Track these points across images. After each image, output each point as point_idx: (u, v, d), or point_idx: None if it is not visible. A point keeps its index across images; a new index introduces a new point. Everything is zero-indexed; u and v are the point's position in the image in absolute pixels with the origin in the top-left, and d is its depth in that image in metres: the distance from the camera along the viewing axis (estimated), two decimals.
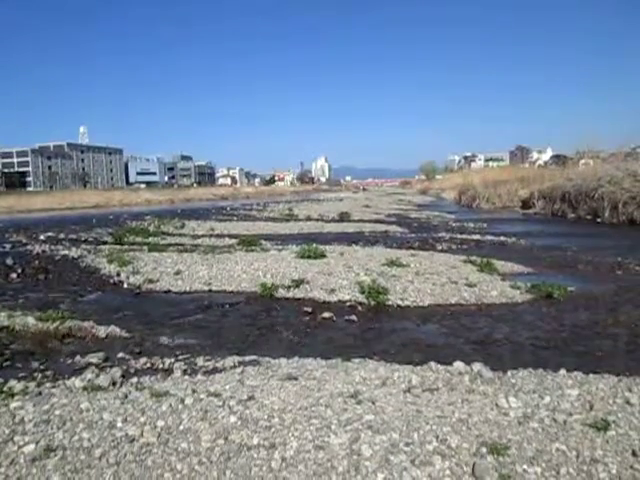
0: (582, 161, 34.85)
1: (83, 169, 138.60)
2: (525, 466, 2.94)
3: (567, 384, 4.20)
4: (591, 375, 4.40)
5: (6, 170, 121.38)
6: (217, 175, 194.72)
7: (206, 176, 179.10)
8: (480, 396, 3.95)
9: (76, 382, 4.35)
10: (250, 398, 3.92)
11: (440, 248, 13.56)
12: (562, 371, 4.52)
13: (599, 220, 22.54)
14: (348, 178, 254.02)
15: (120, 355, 5.32)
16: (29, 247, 13.31)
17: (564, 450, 3.10)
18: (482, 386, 4.19)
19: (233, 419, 3.54)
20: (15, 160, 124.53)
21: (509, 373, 4.52)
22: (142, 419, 3.57)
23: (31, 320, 6.41)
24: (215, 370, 4.81)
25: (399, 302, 7.73)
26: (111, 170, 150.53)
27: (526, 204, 31.51)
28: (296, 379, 4.38)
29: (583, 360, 5.15)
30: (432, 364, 4.72)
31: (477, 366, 4.64)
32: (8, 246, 13.64)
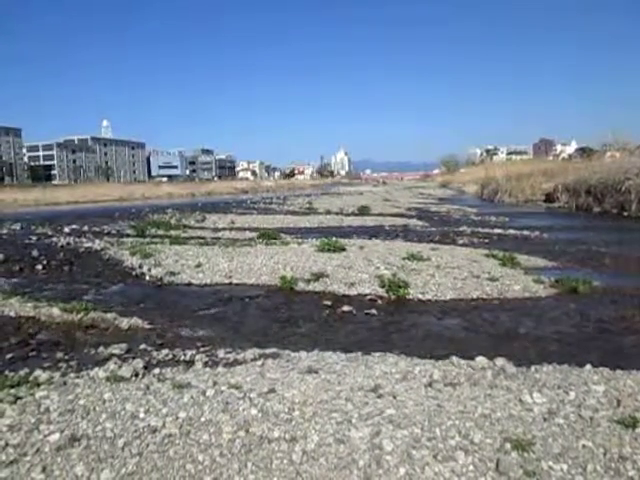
0: (608, 154, 34.10)
1: (106, 162, 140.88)
2: (551, 463, 2.88)
3: (593, 380, 4.10)
4: (618, 371, 4.30)
5: (32, 163, 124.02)
6: (237, 169, 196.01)
7: (226, 169, 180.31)
8: (503, 391, 3.89)
9: (99, 373, 4.41)
10: (271, 391, 3.92)
11: (461, 242, 13.40)
12: (587, 367, 4.42)
13: (626, 214, 22.04)
14: (368, 171, 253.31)
15: (142, 346, 5.37)
16: (54, 239, 13.53)
17: (591, 447, 3.03)
18: (505, 381, 4.12)
19: (254, 411, 3.55)
20: (41, 153, 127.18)
21: (533, 368, 4.44)
22: (164, 410, 3.60)
23: (56, 311, 6.52)
24: (236, 362, 4.83)
25: (420, 296, 7.66)
26: (133, 164, 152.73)
27: (550, 198, 30.97)
28: (316, 372, 4.36)
29: (609, 356, 5.04)
30: (454, 359, 4.66)
31: (500, 361, 4.57)
32: (34, 238, 13.89)
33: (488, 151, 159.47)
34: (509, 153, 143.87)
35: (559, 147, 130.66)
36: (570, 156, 64.75)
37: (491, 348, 5.30)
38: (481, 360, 4.61)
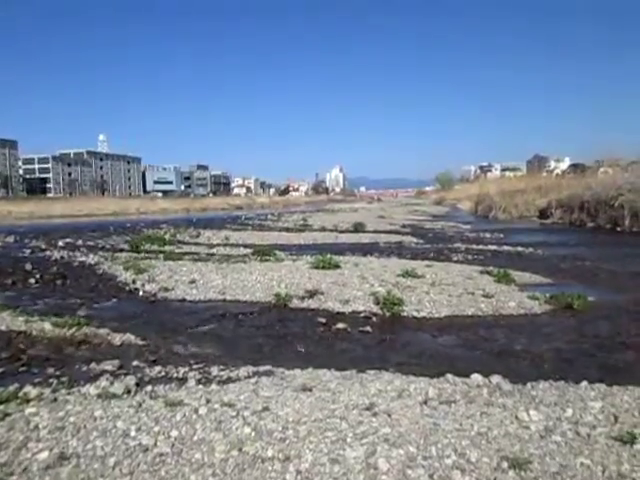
0: (601, 169, 34.44)
1: (102, 177, 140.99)
2: None
3: (590, 396, 4.09)
4: (615, 387, 4.28)
5: (28, 176, 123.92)
6: (232, 185, 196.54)
7: (221, 186, 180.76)
8: (499, 409, 3.86)
9: (91, 389, 4.34)
10: (264, 409, 3.87)
11: (456, 259, 13.41)
12: (584, 383, 4.41)
13: (619, 229, 22.23)
14: (363, 188, 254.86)
15: (135, 363, 5.31)
16: (48, 253, 13.48)
17: (589, 465, 3.00)
18: (501, 399, 4.09)
19: (247, 430, 3.49)
20: (36, 166, 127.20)
21: (529, 385, 4.42)
22: (156, 428, 3.54)
23: (48, 326, 6.45)
24: (229, 380, 4.77)
25: (414, 313, 7.63)
26: (129, 178, 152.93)
27: (544, 214, 31.21)
28: (310, 390, 4.32)
29: (606, 372, 5.03)
30: (449, 376, 4.63)
31: (496, 378, 4.54)
32: (28, 251, 13.83)
33: (482, 168, 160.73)
34: (503, 169, 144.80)
35: (552, 163, 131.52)
36: (563, 172, 65.14)
37: (487, 365, 5.27)
38: (477, 377, 4.57)
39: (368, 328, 6.90)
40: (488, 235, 21.06)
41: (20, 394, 4.17)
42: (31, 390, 4.27)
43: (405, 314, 7.57)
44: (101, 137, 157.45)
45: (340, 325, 6.98)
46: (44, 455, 3.17)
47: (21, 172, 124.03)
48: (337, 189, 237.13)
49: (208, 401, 4.06)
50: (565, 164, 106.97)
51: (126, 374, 4.87)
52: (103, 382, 4.50)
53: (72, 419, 3.69)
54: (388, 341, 6.41)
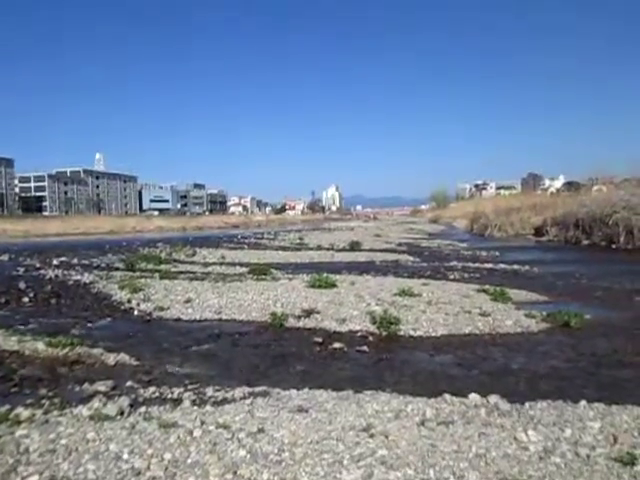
0: (595, 187, 34.76)
1: (98, 195, 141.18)
2: None
3: (588, 416, 4.06)
4: (614, 406, 4.26)
5: (23, 194, 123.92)
6: (229, 203, 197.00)
7: (218, 204, 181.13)
8: (497, 429, 3.81)
9: (83, 411, 4.27)
10: (260, 431, 3.82)
11: (452, 277, 13.41)
12: (583, 402, 4.38)
13: (614, 246, 22.36)
14: (359, 207, 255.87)
15: (129, 383, 5.24)
16: (42, 271, 13.38)
17: None
18: (499, 419, 4.05)
19: (242, 453, 3.43)
20: (32, 185, 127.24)
21: (527, 405, 4.38)
22: (149, 451, 3.48)
23: (41, 345, 6.37)
24: (224, 401, 4.71)
25: (411, 332, 7.59)
26: (125, 197, 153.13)
27: (539, 232, 31.37)
28: (307, 411, 4.26)
29: (604, 391, 4.99)
30: (447, 396, 4.59)
31: (493, 398, 4.50)
32: (22, 270, 13.72)
33: (477, 186, 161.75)
34: (498, 188, 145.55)
35: (547, 182, 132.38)
36: (558, 190, 65.64)
37: (484, 385, 5.23)
38: (474, 397, 4.54)
39: (365, 347, 6.85)
40: (484, 253, 21.11)
41: (11, 415, 4.11)
42: (22, 411, 4.20)
43: (402, 333, 7.53)
44: (97, 156, 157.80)
45: (336, 345, 6.93)
46: (34, 479, 3.10)
47: (17, 190, 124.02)
48: (333, 208, 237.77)
49: (203, 423, 4.01)
50: (559, 182, 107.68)
51: (120, 395, 4.80)
52: (96, 403, 4.44)
53: (64, 441, 3.62)
54: (385, 361, 6.37)
